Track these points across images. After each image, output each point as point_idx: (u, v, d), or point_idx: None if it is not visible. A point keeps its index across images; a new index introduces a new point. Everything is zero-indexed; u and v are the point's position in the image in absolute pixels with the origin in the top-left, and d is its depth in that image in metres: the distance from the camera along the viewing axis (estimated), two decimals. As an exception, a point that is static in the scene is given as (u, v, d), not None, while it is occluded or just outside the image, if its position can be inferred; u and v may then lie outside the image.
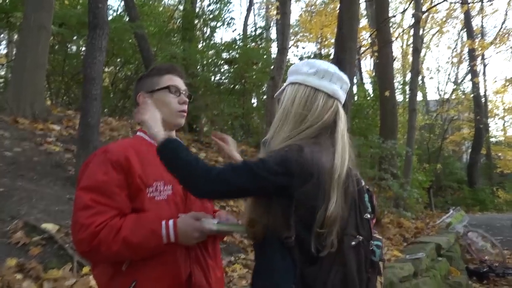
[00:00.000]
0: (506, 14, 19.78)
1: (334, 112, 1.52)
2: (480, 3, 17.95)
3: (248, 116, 12.30)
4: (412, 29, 11.88)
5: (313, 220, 1.34)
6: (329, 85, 1.52)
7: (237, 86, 10.46)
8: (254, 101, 13.29)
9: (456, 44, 24.72)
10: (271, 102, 7.15)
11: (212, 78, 10.65)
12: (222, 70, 11.53)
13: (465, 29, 20.50)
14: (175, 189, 1.66)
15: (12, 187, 4.24)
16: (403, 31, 17.84)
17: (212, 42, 12.27)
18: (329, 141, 1.47)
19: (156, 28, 11.64)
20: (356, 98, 14.63)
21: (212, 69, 10.99)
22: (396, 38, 14.38)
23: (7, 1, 9.57)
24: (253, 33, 12.64)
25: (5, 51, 14.84)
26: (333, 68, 1.56)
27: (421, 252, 5.24)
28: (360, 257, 1.40)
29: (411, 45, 15.01)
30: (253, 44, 12.32)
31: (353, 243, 1.39)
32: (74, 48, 11.43)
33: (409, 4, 11.37)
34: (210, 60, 11.09)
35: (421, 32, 17.62)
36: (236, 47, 10.29)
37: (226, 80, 10.36)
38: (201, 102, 8.78)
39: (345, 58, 8.60)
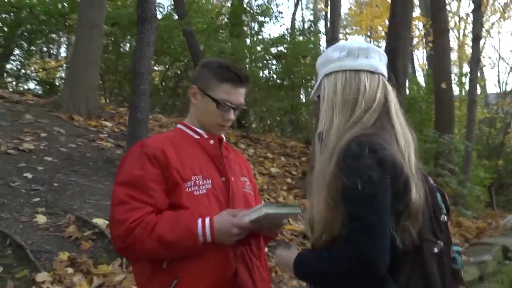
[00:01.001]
0: None
1: (383, 88, 1.35)
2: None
3: (297, 112, 12.10)
4: (470, 16, 11.21)
5: (402, 213, 1.16)
6: (367, 62, 1.36)
7: (285, 81, 10.27)
8: (302, 96, 13.07)
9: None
10: (321, 96, 6.90)
11: (261, 73, 10.53)
12: (270, 65, 11.41)
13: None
14: (214, 183, 1.58)
15: (65, 182, 4.35)
16: (459, 18, 16.89)
17: (260, 37, 12.17)
18: (387, 122, 1.30)
19: (205, 25, 11.69)
20: (408, 91, 14.03)
21: (260, 64, 10.88)
22: (453, 27, 13.60)
23: (65, 4, 9.92)
24: (302, 27, 12.44)
25: (65, 54, 15.49)
26: (365, 44, 1.42)
27: (487, 254, 4.86)
28: (443, 266, 1.22)
29: (469, 34, 14.14)
30: (301, 38, 12.10)
31: (436, 250, 1.21)
32: (127, 47, 11.73)
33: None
34: (258, 55, 10.99)
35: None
36: (285, 41, 10.10)
37: (275, 75, 10.20)
38: (250, 97, 8.71)
39: (398, 47, 8.20)
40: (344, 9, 22.40)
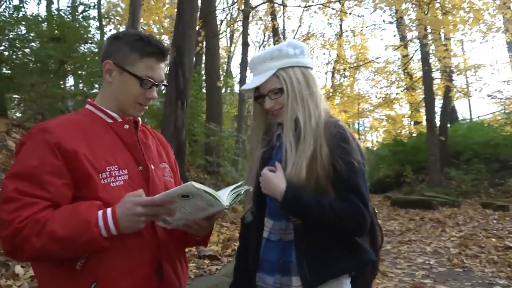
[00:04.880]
0: (300, 19, 22.34)
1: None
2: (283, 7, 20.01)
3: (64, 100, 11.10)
4: (234, 23, 12.57)
5: None
6: (310, 60, 1.65)
7: (66, 66, 9.24)
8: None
9: (263, 42, 26.86)
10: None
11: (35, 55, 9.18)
12: (37, 46, 10.09)
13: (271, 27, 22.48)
14: (131, 173, 1.45)
15: None
16: (225, 24, 18.69)
17: (23, 14, 10.59)
18: None
19: None
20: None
21: (28, 44, 9.51)
22: (223, 32, 15.05)
23: None
24: (75, 11, 11.40)
25: None
26: (305, 44, 1.69)
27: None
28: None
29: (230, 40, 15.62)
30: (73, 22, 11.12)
31: (374, 209, 1.65)
32: None
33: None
34: (23, 34, 9.57)
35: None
36: (62, 23, 9.08)
37: (52, 60, 9.06)
38: (21, 81, 7.55)
39: (185, 45, 8.63)
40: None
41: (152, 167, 1.52)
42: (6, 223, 1.25)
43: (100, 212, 1.30)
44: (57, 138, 1.34)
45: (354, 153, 1.45)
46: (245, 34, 10.35)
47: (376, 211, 1.68)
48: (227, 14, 20.07)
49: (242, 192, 1.43)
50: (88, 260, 1.32)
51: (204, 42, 12.68)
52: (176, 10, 9.35)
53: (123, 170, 1.43)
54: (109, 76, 1.50)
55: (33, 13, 14.14)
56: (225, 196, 1.35)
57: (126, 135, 1.50)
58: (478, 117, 21.27)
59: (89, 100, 1.56)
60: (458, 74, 16.19)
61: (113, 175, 1.40)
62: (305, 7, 13.31)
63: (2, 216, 1.26)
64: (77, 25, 9.12)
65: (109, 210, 1.31)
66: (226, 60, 23.13)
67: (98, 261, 1.32)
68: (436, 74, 15.73)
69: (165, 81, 1.54)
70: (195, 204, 1.32)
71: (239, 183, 1.47)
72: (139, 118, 1.60)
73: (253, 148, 1.68)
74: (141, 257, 1.38)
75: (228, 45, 24.45)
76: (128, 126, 1.51)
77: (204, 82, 13.26)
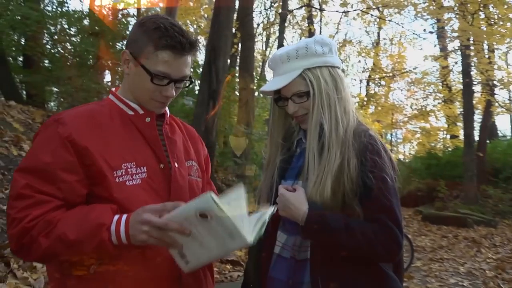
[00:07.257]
0: (338, 26, 22.16)
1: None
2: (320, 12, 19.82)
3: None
4: (271, 26, 12.46)
5: None
6: (338, 59, 1.47)
7: (103, 62, 9.41)
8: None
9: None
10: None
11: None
12: (77, 41, 10.32)
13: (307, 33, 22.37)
14: (151, 171, 1.31)
15: None
16: (261, 27, 18.67)
17: (65, 9, 10.86)
18: None
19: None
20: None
21: (69, 39, 9.74)
22: (259, 35, 15.02)
23: None
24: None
25: None
26: (333, 41, 1.52)
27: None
28: None
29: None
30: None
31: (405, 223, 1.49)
32: None
33: (274, 3, 11.96)
34: (64, 29, 9.80)
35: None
36: (97, 19, 9.25)
37: (90, 55, 9.21)
38: (61, 74, 7.71)
39: (220, 46, 8.60)
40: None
41: (176, 165, 1.38)
42: (15, 221, 1.19)
43: (116, 217, 1.20)
44: (70, 130, 1.25)
45: (386, 167, 1.28)
46: (281, 37, 10.24)
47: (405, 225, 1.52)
48: (264, 18, 20.13)
49: (267, 219, 1.23)
50: (103, 264, 1.23)
51: (240, 44, 12.66)
52: (212, 10, 9.36)
53: (142, 168, 1.30)
54: (126, 67, 1.38)
55: (75, 8, 14.59)
56: (249, 228, 1.15)
57: (146, 129, 1.37)
58: (519, 134, 20.32)
59: (112, 89, 1.46)
60: (501, 88, 15.45)
61: (130, 172, 1.28)
62: (343, 12, 13.09)
63: (11, 214, 1.19)
64: (116, 22, 9.22)
65: (124, 216, 1.20)
66: (260, 63, 23.07)
67: (114, 266, 1.23)
68: (477, 87, 15.14)
69: (189, 77, 1.37)
70: (213, 230, 1.13)
71: (262, 211, 1.27)
72: (167, 109, 1.47)
73: (271, 156, 1.50)
74: (159, 266, 1.27)
75: (264, 48, 24.41)
76: (150, 119, 1.38)
77: (237, 84, 13.23)
